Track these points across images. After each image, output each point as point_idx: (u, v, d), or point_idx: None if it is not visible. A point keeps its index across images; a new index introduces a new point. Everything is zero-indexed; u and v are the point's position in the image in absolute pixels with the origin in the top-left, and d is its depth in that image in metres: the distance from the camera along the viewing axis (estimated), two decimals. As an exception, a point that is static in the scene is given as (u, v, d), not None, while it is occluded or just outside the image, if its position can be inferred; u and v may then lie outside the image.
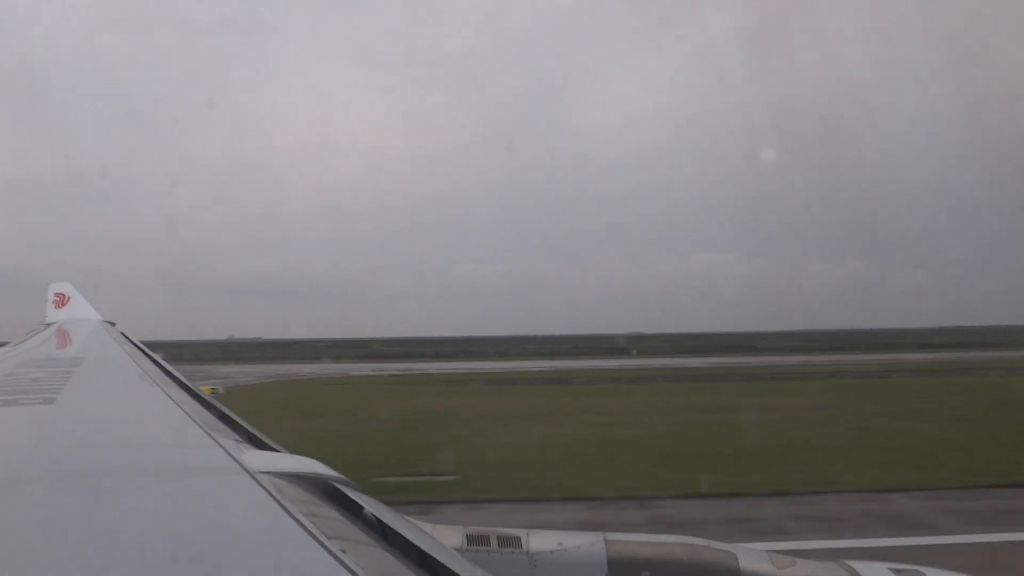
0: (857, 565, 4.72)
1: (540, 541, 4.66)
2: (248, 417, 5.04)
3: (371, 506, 3.08)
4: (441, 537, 4.37)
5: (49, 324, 17.80)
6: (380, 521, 3.04)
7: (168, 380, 7.05)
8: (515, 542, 4.65)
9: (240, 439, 4.05)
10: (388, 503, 3.32)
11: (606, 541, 4.64)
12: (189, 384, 6.88)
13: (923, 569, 4.79)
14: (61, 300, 19.71)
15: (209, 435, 3.90)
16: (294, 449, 3.81)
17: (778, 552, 4.90)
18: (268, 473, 3.00)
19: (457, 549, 4.42)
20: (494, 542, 4.63)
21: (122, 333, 14.81)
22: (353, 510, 3.04)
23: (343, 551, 2.18)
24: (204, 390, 6.98)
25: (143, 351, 10.90)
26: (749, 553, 4.74)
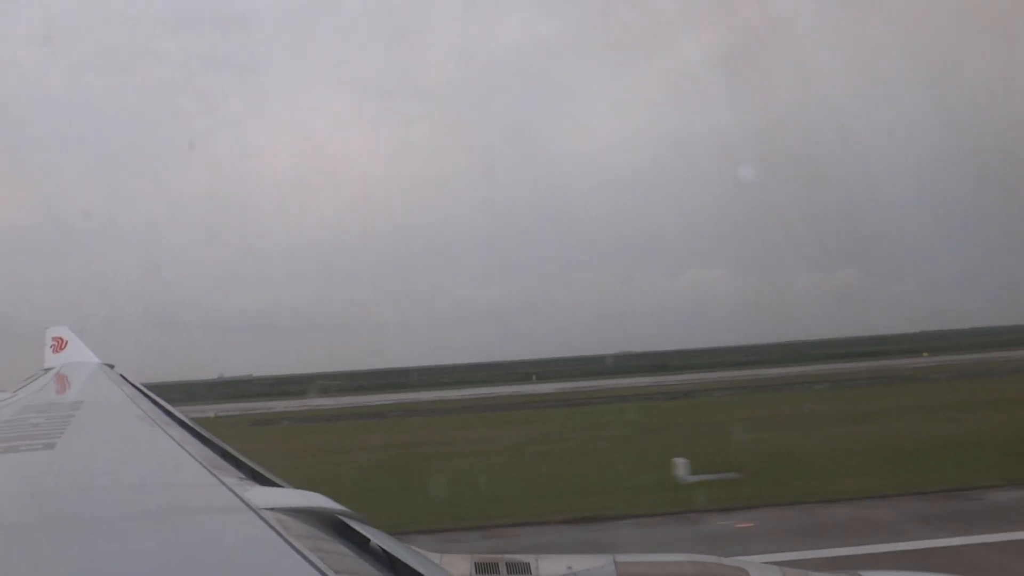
0: (872, 575, 4.69)
1: (549, 566, 4.63)
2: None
3: (378, 538, 3.06)
4: (449, 566, 4.34)
5: (48, 369, 17.77)
6: (387, 553, 3.02)
7: (169, 420, 7.02)
8: (524, 568, 4.61)
9: (243, 476, 4.04)
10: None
11: (616, 563, 4.60)
12: (190, 423, 6.85)
13: None
14: (59, 344, 19.68)
15: (212, 473, 3.88)
16: None
17: (791, 566, 4.87)
18: (273, 509, 2.98)
19: None
20: (503, 569, 4.59)
21: (121, 375, 14.77)
22: (360, 543, 3.02)
23: None
24: None
25: (143, 392, 10.87)
26: (761, 569, 4.71)
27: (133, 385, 12.45)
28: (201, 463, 4.25)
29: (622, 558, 4.68)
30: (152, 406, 8.57)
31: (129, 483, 4.06)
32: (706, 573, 4.60)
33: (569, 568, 4.59)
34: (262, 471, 4.43)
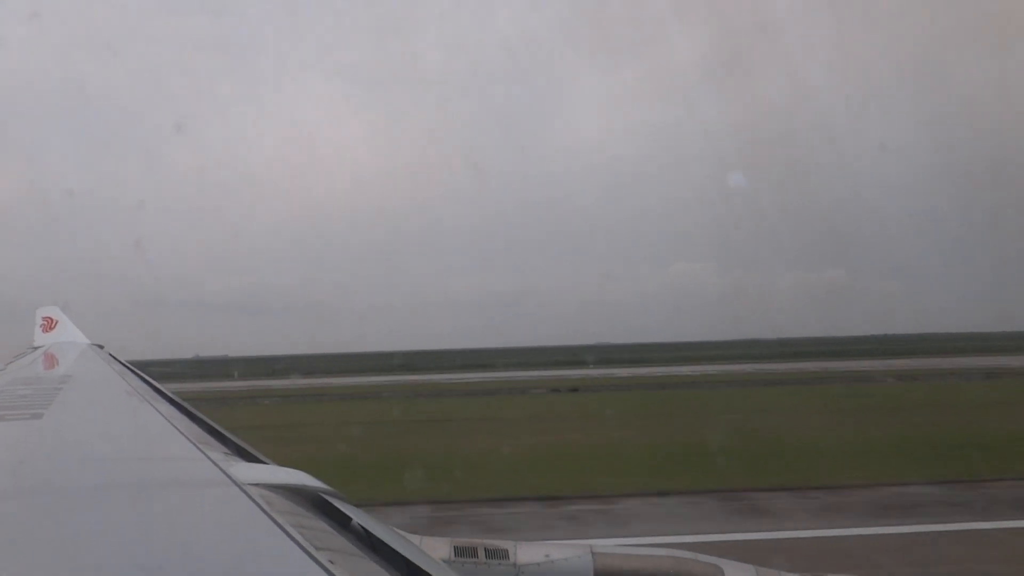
0: None
1: (528, 553, 4.68)
2: None
3: (359, 517, 3.11)
4: (429, 549, 4.38)
5: (36, 347, 17.76)
6: (368, 532, 3.07)
7: (157, 396, 7.05)
8: (503, 554, 4.66)
9: (229, 452, 4.08)
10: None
11: (593, 553, 4.66)
12: (178, 400, 6.88)
13: None
14: (49, 324, 19.65)
15: (198, 448, 3.91)
16: None
17: (763, 567, 4.92)
18: (257, 485, 3.02)
19: (445, 561, 4.44)
20: (481, 554, 4.64)
21: (110, 355, 14.78)
22: (341, 521, 3.06)
23: (331, 562, 2.19)
24: None
25: (132, 370, 10.88)
26: (735, 567, 4.77)
27: (122, 363, 12.47)
28: (188, 438, 4.29)
29: (599, 548, 4.73)
30: (140, 383, 8.59)
31: (115, 455, 4.09)
32: (681, 568, 4.66)
33: (547, 556, 4.64)
34: (248, 448, 4.48)
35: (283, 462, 3.69)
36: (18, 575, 2.12)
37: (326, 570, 2.13)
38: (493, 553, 4.66)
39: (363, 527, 3.08)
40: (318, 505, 3.14)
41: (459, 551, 4.64)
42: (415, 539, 4.28)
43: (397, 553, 2.86)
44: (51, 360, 13.74)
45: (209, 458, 3.61)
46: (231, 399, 56.41)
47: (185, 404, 6.53)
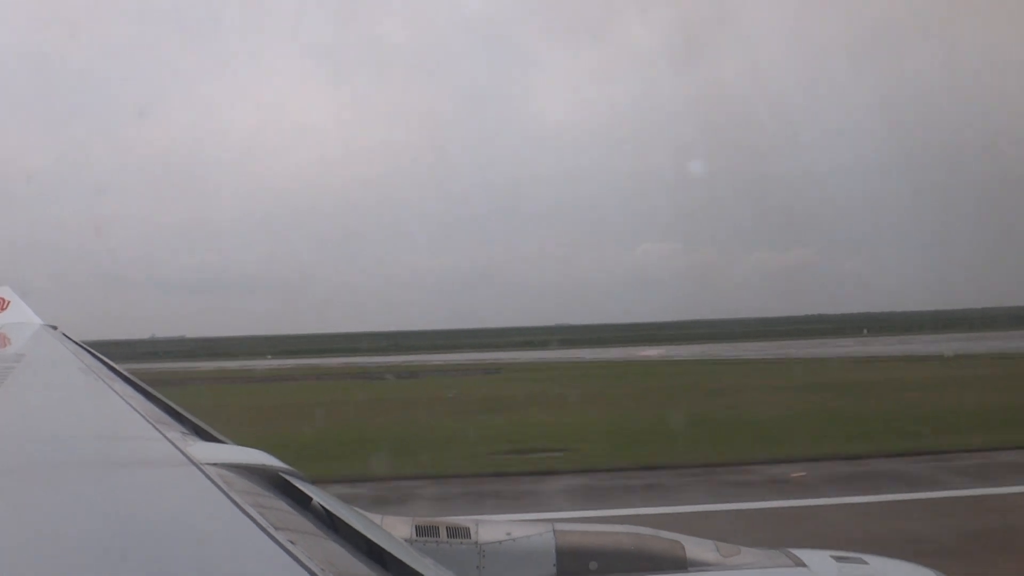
0: (801, 553, 4.83)
1: (489, 531, 4.70)
2: None
3: (320, 497, 3.09)
4: (390, 528, 4.38)
5: None
6: (329, 512, 3.05)
7: (113, 376, 6.95)
8: (464, 532, 4.68)
9: (187, 431, 4.03)
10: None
11: (555, 531, 4.69)
12: (134, 379, 6.79)
13: (865, 556, 4.91)
14: (1, 304, 19.23)
15: (155, 427, 3.86)
16: None
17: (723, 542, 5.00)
18: (215, 465, 2.98)
19: (406, 540, 4.44)
20: (443, 533, 4.65)
21: (64, 334, 14.51)
22: (302, 501, 3.04)
23: (291, 542, 2.17)
24: None
25: (86, 350, 10.71)
26: (695, 543, 4.83)
27: (76, 343, 12.27)
28: (144, 417, 4.23)
29: (561, 526, 4.77)
30: (96, 362, 8.46)
31: (70, 435, 4.02)
32: (643, 544, 4.71)
33: (508, 534, 4.66)
34: (206, 427, 4.43)
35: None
36: None
37: (286, 550, 2.11)
38: (455, 532, 4.68)
39: (324, 507, 3.06)
40: (278, 485, 3.11)
41: (420, 530, 4.64)
42: (376, 518, 4.28)
43: (358, 533, 2.85)
44: (2, 339, 13.45)
45: (167, 438, 3.56)
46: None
47: (142, 383, 6.44)
